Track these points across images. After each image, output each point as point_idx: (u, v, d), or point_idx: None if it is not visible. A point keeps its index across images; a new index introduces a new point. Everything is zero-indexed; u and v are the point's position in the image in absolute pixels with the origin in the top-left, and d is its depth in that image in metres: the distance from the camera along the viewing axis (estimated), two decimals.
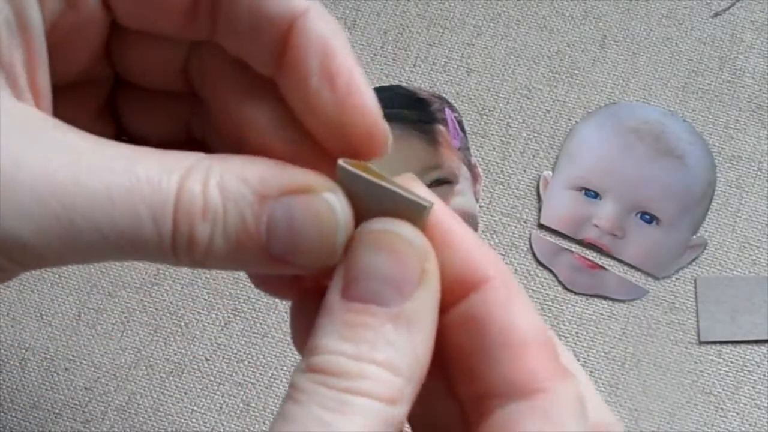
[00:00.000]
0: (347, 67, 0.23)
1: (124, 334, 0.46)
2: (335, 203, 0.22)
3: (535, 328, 0.22)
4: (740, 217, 0.47)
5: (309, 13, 0.23)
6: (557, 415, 0.21)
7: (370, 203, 0.22)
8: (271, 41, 0.23)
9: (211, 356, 0.45)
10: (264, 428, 0.44)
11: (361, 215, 0.22)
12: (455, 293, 0.22)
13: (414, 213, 0.22)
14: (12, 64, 0.22)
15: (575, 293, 0.46)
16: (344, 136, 0.23)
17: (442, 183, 0.48)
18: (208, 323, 0.46)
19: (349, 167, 0.22)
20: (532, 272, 0.46)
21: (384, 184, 0.22)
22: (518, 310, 0.22)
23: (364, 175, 0.22)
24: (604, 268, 0.46)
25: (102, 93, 0.27)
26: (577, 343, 0.45)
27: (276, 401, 0.45)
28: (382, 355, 0.21)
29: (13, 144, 0.21)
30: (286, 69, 0.23)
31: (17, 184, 0.21)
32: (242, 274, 0.47)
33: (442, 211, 0.24)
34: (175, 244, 0.22)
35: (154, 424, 0.44)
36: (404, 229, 0.22)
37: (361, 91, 0.23)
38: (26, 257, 0.21)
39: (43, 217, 0.21)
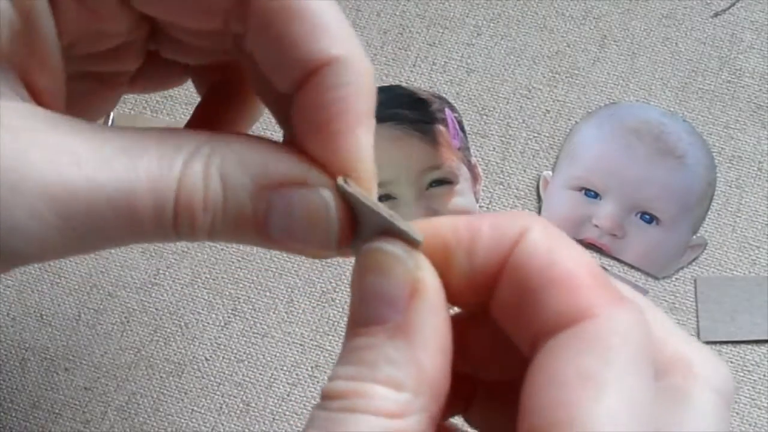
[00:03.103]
0: (351, 129, 0.23)
1: (124, 334, 0.46)
2: (329, 199, 0.23)
3: (580, 261, 0.21)
4: (740, 217, 0.47)
5: (338, 63, 0.23)
6: (604, 342, 0.20)
7: (364, 214, 0.23)
8: (293, 76, 0.23)
9: (211, 356, 0.45)
10: (264, 428, 0.44)
11: (357, 216, 0.23)
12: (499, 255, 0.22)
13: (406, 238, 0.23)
14: (15, 64, 0.22)
15: None
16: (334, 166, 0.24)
17: (442, 183, 0.48)
18: (208, 323, 0.46)
19: (347, 188, 0.23)
20: None
21: (380, 210, 0.22)
22: (561, 248, 0.21)
23: (361, 198, 0.23)
24: (604, 268, 0.46)
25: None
26: None
27: (276, 401, 0.45)
28: (382, 373, 0.21)
29: (16, 142, 0.21)
30: (301, 100, 0.23)
31: (21, 182, 0.21)
32: (242, 275, 0.47)
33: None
34: (177, 230, 0.22)
35: (154, 424, 0.44)
36: (389, 245, 0.22)
37: (358, 148, 0.23)
38: (29, 252, 0.21)
39: (46, 216, 0.21)
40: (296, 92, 0.23)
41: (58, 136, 0.22)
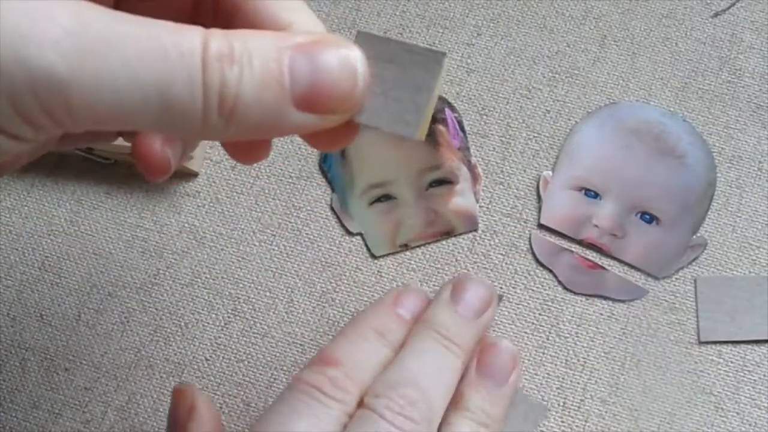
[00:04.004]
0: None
1: (124, 334, 0.46)
2: (355, 51, 0.24)
3: None
4: (740, 217, 0.47)
5: None
6: None
7: (386, 69, 0.24)
8: None
9: (211, 356, 0.45)
10: None
11: (377, 80, 0.25)
12: None
13: (430, 65, 0.24)
14: None
15: (575, 293, 0.46)
16: None
17: (442, 183, 0.48)
18: (208, 323, 0.46)
19: (368, 33, 0.25)
20: (532, 272, 0.46)
21: (399, 41, 0.24)
22: None
23: (381, 36, 0.24)
24: (604, 268, 0.46)
25: None
26: (577, 343, 0.45)
27: None
28: None
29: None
30: None
31: (51, 21, 0.21)
32: (242, 275, 0.47)
33: None
34: (206, 93, 0.22)
35: (154, 424, 0.44)
36: None
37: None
38: (58, 98, 0.21)
39: (78, 52, 0.21)
40: None
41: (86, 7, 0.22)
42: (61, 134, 0.23)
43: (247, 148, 0.30)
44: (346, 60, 0.23)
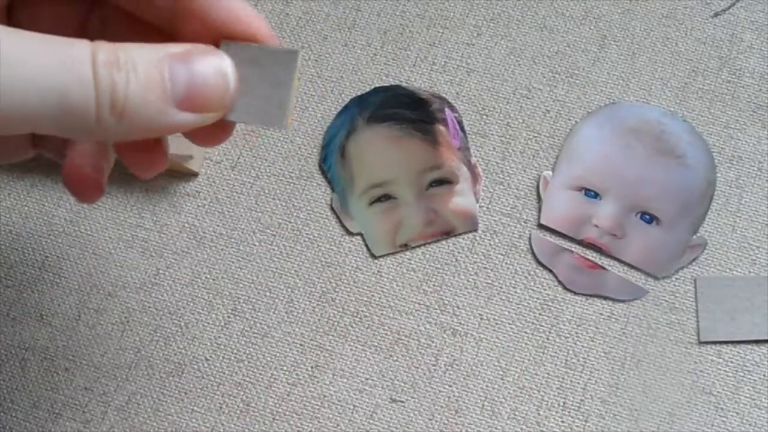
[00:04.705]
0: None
1: (124, 334, 0.46)
2: (225, 60, 0.27)
3: None
4: (740, 217, 0.47)
5: None
6: None
7: (250, 71, 0.28)
8: None
9: (211, 356, 0.45)
10: (264, 428, 0.44)
11: (244, 82, 0.28)
12: None
13: (287, 62, 0.28)
14: None
15: (575, 293, 0.46)
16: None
17: (442, 183, 0.48)
18: (208, 323, 0.46)
19: (231, 42, 0.28)
20: (532, 272, 0.46)
21: (258, 45, 0.28)
22: None
23: (242, 43, 0.28)
24: (604, 268, 0.46)
25: None
26: (577, 343, 0.45)
27: (276, 401, 0.45)
28: None
29: None
30: None
31: None
32: (242, 275, 0.47)
33: None
34: (98, 96, 0.25)
35: (154, 424, 0.44)
36: None
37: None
38: None
39: None
40: None
41: None
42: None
43: (144, 155, 0.32)
44: (218, 67, 0.27)
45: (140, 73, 0.25)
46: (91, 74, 0.25)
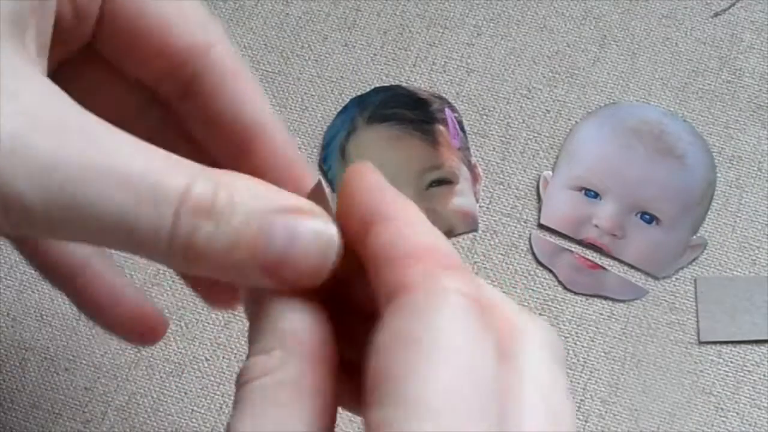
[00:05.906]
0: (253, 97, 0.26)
1: None
2: (333, 229, 0.22)
3: (418, 243, 0.21)
4: (740, 217, 0.47)
5: (216, 47, 0.25)
6: (432, 306, 0.20)
7: None
8: (175, 71, 0.25)
9: (211, 356, 0.45)
10: None
11: None
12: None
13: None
14: (30, 22, 0.23)
15: (575, 293, 0.46)
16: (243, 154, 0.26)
17: (442, 183, 0.48)
18: (208, 323, 0.46)
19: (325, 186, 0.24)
20: (532, 272, 0.46)
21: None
22: (404, 230, 0.22)
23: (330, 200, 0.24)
24: (604, 268, 0.46)
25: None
26: (577, 343, 0.45)
27: None
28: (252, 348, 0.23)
29: (30, 108, 0.21)
30: (193, 95, 0.26)
31: (30, 150, 0.20)
32: None
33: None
34: (172, 240, 0.21)
35: (154, 424, 0.44)
36: None
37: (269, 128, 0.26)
38: (24, 220, 0.21)
39: (49, 186, 0.21)
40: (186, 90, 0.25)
41: (72, 111, 0.22)
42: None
43: (216, 288, 0.30)
44: (322, 236, 0.22)
45: (234, 225, 0.21)
46: (171, 221, 0.21)
